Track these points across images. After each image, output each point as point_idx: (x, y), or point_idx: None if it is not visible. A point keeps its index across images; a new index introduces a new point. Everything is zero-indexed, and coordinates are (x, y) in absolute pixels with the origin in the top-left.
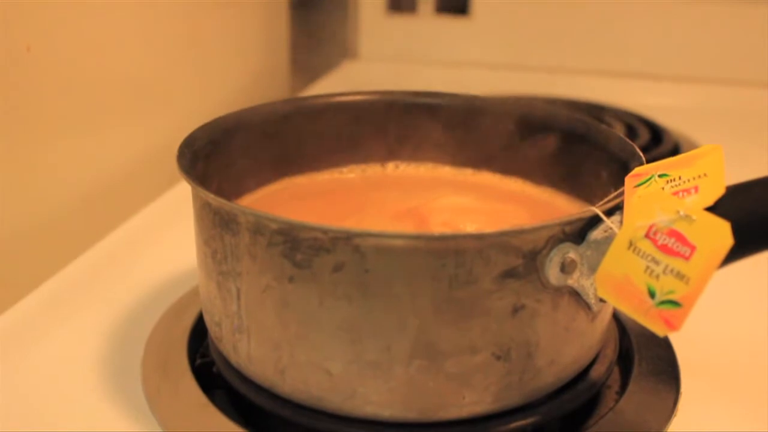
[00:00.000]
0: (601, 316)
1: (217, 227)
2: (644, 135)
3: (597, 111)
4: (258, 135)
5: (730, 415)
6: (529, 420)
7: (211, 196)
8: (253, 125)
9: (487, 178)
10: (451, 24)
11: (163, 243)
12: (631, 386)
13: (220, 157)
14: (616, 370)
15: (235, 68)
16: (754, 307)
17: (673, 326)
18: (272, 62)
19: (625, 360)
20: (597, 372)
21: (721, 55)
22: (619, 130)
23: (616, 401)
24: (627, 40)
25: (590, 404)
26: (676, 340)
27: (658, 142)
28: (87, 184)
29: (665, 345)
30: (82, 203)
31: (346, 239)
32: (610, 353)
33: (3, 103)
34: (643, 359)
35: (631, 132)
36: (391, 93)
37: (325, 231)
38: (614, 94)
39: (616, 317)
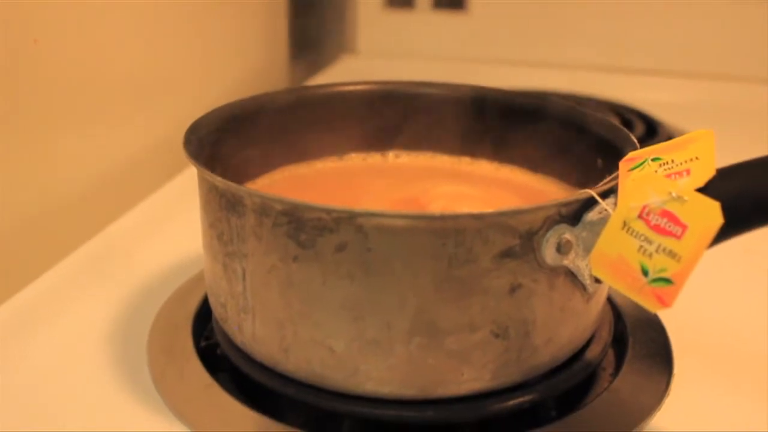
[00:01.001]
0: (596, 298)
1: (224, 210)
2: (639, 128)
3: (593, 104)
4: (261, 123)
5: (720, 397)
6: (526, 398)
7: (219, 179)
8: (256, 113)
9: (485, 167)
10: (448, 19)
11: (166, 231)
12: (625, 368)
13: (224, 145)
14: (611, 353)
15: (235, 63)
16: (745, 292)
17: (665, 303)
18: (271, 57)
19: (619, 343)
20: (592, 353)
21: (716, 51)
22: None
23: (611, 382)
24: (623, 35)
25: (586, 385)
26: (670, 324)
27: (653, 135)
28: (91, 175)
29: (659, 328)
30: (86, 193)
31: (349, 219)
32: (605, 335)
33: (10, 94)
34: (637, 342)
35: (627, 125)
36: (392, 83)
37: (328, 211)
38: (610, 88)
39: (611, 301)
